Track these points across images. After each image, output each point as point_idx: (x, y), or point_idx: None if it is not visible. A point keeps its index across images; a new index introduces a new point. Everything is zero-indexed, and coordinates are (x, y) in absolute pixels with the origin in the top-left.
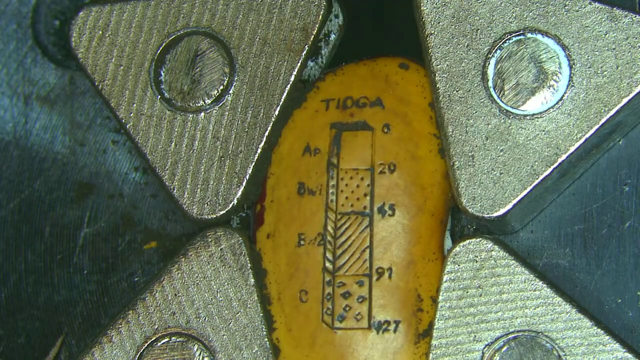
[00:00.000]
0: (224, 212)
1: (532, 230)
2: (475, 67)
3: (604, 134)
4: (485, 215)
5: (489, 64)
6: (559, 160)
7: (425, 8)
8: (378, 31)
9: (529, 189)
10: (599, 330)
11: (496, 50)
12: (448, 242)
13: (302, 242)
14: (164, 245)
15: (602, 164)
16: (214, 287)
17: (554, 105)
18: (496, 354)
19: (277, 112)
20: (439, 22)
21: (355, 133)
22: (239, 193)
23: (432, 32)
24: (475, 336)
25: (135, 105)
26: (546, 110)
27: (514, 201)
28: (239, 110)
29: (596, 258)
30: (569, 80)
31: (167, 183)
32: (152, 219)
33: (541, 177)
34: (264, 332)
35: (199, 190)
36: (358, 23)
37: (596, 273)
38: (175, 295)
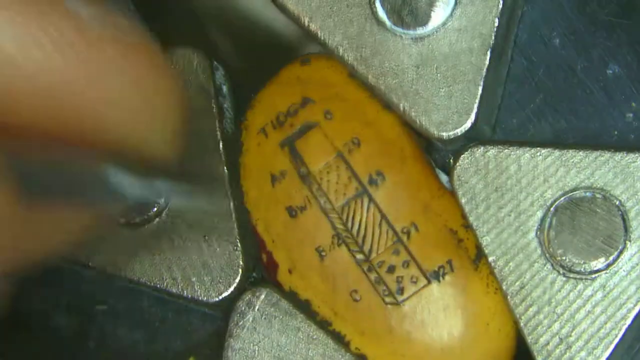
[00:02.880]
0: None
1: (502, 127)
2: None
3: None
4: (460, 130)
5: None
6: (490, 43)
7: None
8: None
9: (481, 84)
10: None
11: None
12: (443, 177)
13: (323, 254)
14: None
15: (524, 33)
16: (277, 342)
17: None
18: (550, 232)
19: (225, 170)
20: None
21: (305, 137)
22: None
23: None
24: (521, 228)
25: None
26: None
27: (477, 101)
28: None
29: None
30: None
31: None
32: None
33: (484, 67)
34: (344, 354)
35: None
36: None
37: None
38: None
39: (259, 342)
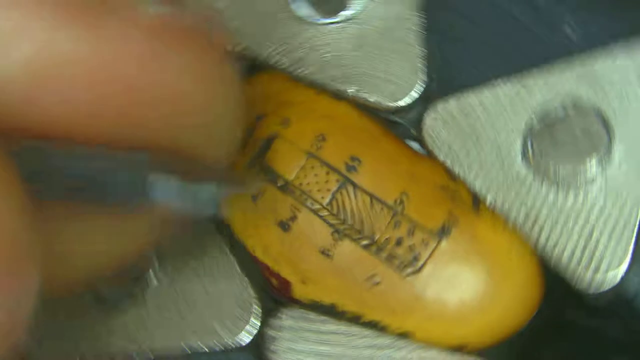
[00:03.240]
0: None
1: (451, 84)
2: None
3: None
4: (415, 92)
5: None
6: (416, 3)
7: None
8: None
9: (420, 44)
10: None
11: None
12: (414, 146)
13: (329, 253)
14: None
15: None
16: (318, 352)
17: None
18: (535, 154)
19: None
20: None
21: (270, 150)
22: None
23: None
24: (507, 161)
25: None
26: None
27: (422, 61)
28: None
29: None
30: None
31: None
32: None
33: (418, 27)
34: (387, 338)
35: None
36: None
37: None
38: None
39: (301, 359)
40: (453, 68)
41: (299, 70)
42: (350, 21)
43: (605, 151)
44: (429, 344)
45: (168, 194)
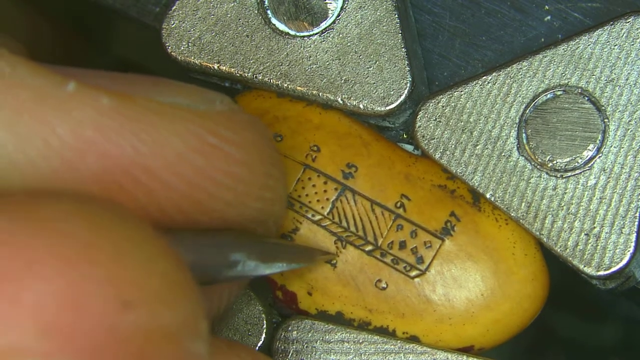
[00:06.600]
0: None
1: (437, 83)
2: None
3: None
4: (404, 93)
5: None
6: (393, 5)
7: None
8: None
9: (403, 46)
10: None
11: None
12: (408, 148)
13: (333, 262)
14: None
15: None
16: None
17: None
18: (530, 144)
19: None
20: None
21: None
22: None
23: None
24: (503, 154)
25: None
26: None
27: (406, 62)
28: None
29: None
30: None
31: None
32: None
33: (398, 29)
34: (396, 343)
35: None
36: None
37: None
38: None
39: None
40: (437, 66)
41: (285, 85)
42: (328, 32)
43: (600, 134)
44: (437, 346)
45: (247, 271)
